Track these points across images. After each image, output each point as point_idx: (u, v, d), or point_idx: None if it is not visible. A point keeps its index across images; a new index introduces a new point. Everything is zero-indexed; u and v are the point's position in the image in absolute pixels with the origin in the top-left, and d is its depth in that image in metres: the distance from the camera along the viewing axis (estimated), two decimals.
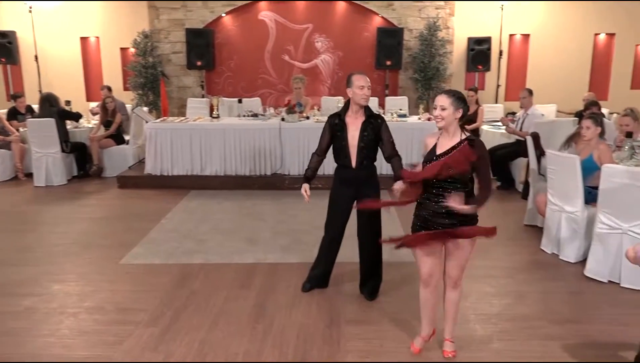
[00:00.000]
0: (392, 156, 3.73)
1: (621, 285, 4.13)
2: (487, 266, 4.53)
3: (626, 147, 4.91)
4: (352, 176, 3.73)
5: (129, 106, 9.11)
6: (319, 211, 6.14)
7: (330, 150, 3.87)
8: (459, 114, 2.85)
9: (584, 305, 3.90)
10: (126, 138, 8.33)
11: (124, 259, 4.79)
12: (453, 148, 2.86)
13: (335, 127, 3.73)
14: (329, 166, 7.16)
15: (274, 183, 7.25)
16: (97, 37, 10.22)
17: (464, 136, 2.90)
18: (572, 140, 5.05)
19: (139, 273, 4.50)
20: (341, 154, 3.73)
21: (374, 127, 3.65)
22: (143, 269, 4.58)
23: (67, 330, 3.57)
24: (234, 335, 3.48)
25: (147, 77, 9.53)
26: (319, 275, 4.10)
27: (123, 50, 10.16)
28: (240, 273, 4.47)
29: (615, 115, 8.28)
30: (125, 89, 10.04)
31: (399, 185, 3.25)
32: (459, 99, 2.85)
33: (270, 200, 6.69)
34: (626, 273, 4.10)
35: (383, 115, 7.58)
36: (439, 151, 2.89)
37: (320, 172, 6.90)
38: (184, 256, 4.85)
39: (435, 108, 2.86)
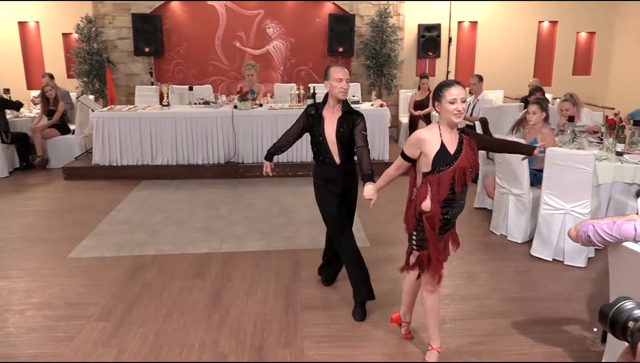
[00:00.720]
0: (362, 146, 3.40)
1: (564, 263, 4.32)
2: None
3: (568, 131, 5.12)
4: (337, 174, 3.48)
5: (73, 94, 8.76)
6: (274, 199, 6.14)
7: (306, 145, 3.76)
8: None
9: (531, 283, 4.07)
10: (71, 127, 8.02)
11: (73, 253, 4.63)
12: (460, 143, 2.73)
13: (311, 118, 3.48)
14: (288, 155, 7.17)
15: (228, 172, 7.16)
16: (37, 22, 9.73)
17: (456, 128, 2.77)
18: (519, 125, 5.22)
19: (89, 266, 4.36)
20: (321, 151, 3.46)
21: (350, 123, 3.42)
22: (93, 262, 4.45)
23: (13, 328, 3.43)
24: (189, 325, 3.43)
25: (92, 64, 9.16)
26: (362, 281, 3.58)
27: (65, 35, 9.72)
28: (194, 263, 4.41)
29: (558, 100, 8.61)
30: (69, 76, 9.62)
31: (370, 193, 3.12)
32: None
33: (224, 189, 6.62)
34: (569, 252, 4.31)
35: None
36: (451, 151, 2.70)
37: (275, 159, 6.88)
38: (136, 247, 4.74)
39: (453, 102, 2.62)
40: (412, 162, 2.83)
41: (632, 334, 0.97)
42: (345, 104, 3.47)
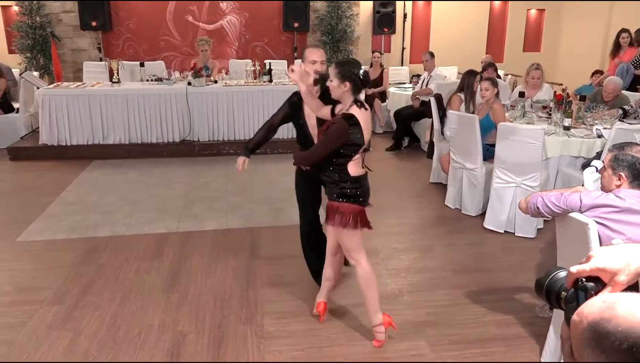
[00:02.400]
0: None
1: (515, 234, 4.49)
2: (396, 223, 4.73)
3: (519, 106, 5.27)
4: None
5: (16, 71, 8.33)
6: (231, 178, 6.08)
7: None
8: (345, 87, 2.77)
9: (484, 255, 4.21)
10: (15, 105, 7.64)
11: (22, 236, 4.47)
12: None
13: (294, 105, 3.34)
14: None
15: (184, 150, 7.02)
16: None
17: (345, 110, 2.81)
18: (448, 103, 5.44)
19: (39, 250, 4.22)
20: (301, 134, 3.39)
21: (328, 102, 3.26)
22: (44, 245, 4.30)
23: None
24: (147, 306, 3.39)
25: (36, 38, 8.71)
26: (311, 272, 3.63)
27: (5, 8, 9.20)
28: (151, 243, 4.33)
29: (510, 76, 8.82)
30: (11, 51, 9.14)
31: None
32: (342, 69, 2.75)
33: (180, 168, 6.50)
34: (519, 224, 4.47)
35: None
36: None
37: (233, 137, 6.77)
38: (90, 229, 4.61)
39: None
40: None
41: (566, 302, 1.01)
42: (322, 85, 3.28)
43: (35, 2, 8.71)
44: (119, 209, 5.08)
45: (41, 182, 5.94)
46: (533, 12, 10.58)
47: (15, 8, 8.83)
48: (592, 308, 0.80)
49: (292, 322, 3.22)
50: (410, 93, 7.60)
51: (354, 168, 2.83)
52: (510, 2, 10.38)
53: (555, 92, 5.88)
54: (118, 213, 4.98)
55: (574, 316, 0.82)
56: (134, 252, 4.17)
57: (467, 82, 5.43)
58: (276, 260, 4.02)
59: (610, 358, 0.74)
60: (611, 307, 0.77)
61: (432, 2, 10.15)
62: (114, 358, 2.88)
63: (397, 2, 9.71)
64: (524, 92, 5.50)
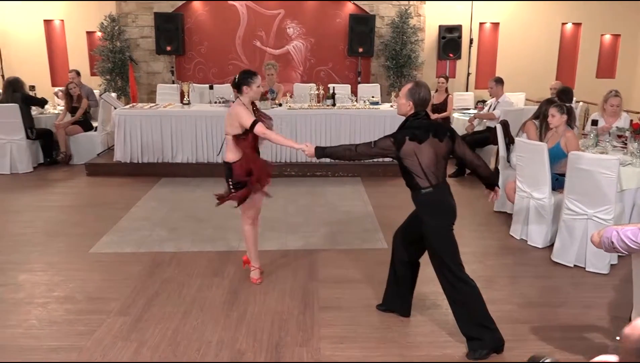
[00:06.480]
0: None
1: (586, 269, 4.25)
2: None
3: (592, 135, 5.05)
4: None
5: (96, 92, 8.89)
6: (291, 199, 6.15)
7: None
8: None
9: (551, 289, 4.02)
10: (94, 124, 8.14)
11: (94, 248, 4.70)
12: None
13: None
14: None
15: None
16: (62, 20, 9.91)
17: None
18: (522, 128, 5.22)
19: (109, 262, 4.43)
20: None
21: None
22: (114, 258, 4.51)
23: (35, 320, 3.49)
24: (207, 322, 3.46)
25: (115, 62, 9.30)
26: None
27: (89, 34, 9.88)
28: (213, 261, 4.44)
29: (581, 103, 8.49)
30: (93, 74, 9.79)
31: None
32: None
33: None
34: (591, 258, 4.24)
35: (355, 102, 7.65)
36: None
37: (294, 159, 6.88)
38: (156, 244, 4.79)
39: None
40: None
41: None
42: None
43: (117, 27, 9.30)
44: (184, 226, 5.25)
45: (114, 197, 6.26)
46: (607, 37, 10.18)
47: (99, 34, 9.47)
48: None
49: (349, 347, 3.19)
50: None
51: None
52: (582, 26, 10.04)
53: (631, 120, 5.59)
54: (183, 230, 5.15)
55: (627, 329, 0.88)
56: (197, 268, 4.29)
57: (544, 110, 5.15)
58: (334, 284, 4.01)
59: None
60: None
61: (500, 26, 9.98)
62: None
63: (463, 24, 9.61)
64: (597, 121, 5.27)
